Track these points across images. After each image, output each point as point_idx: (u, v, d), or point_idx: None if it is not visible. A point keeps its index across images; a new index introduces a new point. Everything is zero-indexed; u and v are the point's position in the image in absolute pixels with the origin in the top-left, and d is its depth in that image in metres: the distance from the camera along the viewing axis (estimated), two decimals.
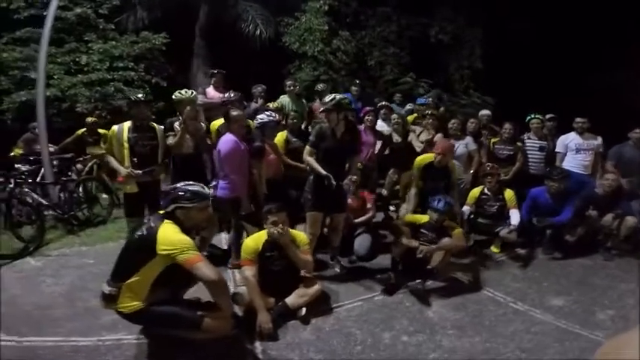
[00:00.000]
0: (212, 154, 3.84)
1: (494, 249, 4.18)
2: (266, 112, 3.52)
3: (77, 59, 7.12)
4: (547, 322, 2.79)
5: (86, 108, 6.75)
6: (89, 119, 6.13)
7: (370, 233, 3.96)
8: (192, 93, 3.75)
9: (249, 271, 2.67)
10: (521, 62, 8.55)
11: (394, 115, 4.72)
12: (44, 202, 4.42)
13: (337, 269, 3.56)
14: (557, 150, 4.84)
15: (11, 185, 4.11)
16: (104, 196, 5.34)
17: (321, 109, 3.26)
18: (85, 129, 6.03)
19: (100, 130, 6.18)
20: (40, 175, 4.81)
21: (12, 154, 5.35)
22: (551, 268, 3.87)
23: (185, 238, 2.15)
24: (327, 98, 3.21)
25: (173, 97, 3.69)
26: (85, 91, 6.88)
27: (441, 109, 6.15)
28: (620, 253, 4.13)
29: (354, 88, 5.80)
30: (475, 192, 4.25)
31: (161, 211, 2.34)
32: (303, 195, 3.37)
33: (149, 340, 2.45)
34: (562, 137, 4.84)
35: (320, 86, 5.69)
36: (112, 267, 3.33)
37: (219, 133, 3.63)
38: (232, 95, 3.93)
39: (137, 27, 7.99)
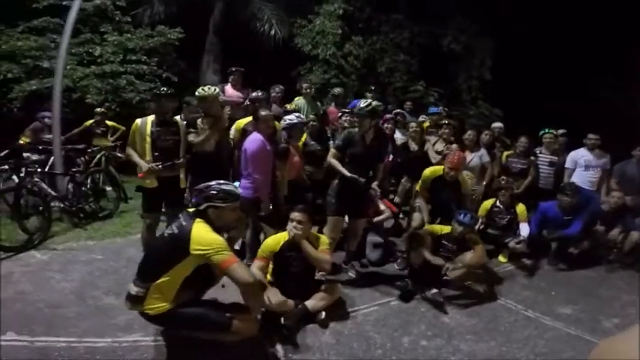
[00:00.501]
0: (233, 154, 3.91)
1: (501, 259, 4.30)
2: (294, 114, 3.57)
3: (91, 50, 7.15)
4: (558, 329, 2.92)
5: (96, 100, 6.78)
6: (98, 110, 6.17)
7: (382, 238, 4.03)
8: (215, 90, 3.71)
9: (257, 265, 2.74)
10: (526, 72, 8.72)
11: (412, 124, 4.79)
12: (53, 193, 4.37)
13: (352, 274, 3.59)
14: (566, 166, 4.91)
15: (22, 174, 4.04)
16: (108, 189, 5.34)
17: (356, 113, 3.31)
18: (93, 120, 6.06)
19: (109, 122, 6.24)
20: (49, 164, 4.77)
21: (20, 142, 5.33)
22: (556, 278, 4.00)
23: (219, 239, 2.14)
24: (362, 103, 3.23)
25: (197, 93, 3.70)
26: (97, 83, 6.92)
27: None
28: (622, 266, 4.27)
29: (368, 94, 5.90)
30: (487, 204, 4.35)
31: (190, 209, 2.34)
32: (326, 199, 3.42)
33: (167, 342, 2.41)
34: (572, 153, 4.94)
35: (337, 90, 5.78)
36: (121, 264, 3.46)
37: (245, 132, 3.68)
38: (260, 94, 3.96)
39: (153, 21, 8.02)
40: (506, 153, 5.14)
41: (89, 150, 5.69)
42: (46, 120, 5.25)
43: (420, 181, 4.00)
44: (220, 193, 2.24)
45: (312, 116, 4.57)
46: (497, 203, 4.30)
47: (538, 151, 5.08)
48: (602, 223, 4.42)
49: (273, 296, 2.63)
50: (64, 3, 6.46)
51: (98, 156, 5.81)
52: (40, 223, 3.96)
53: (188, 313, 2.17)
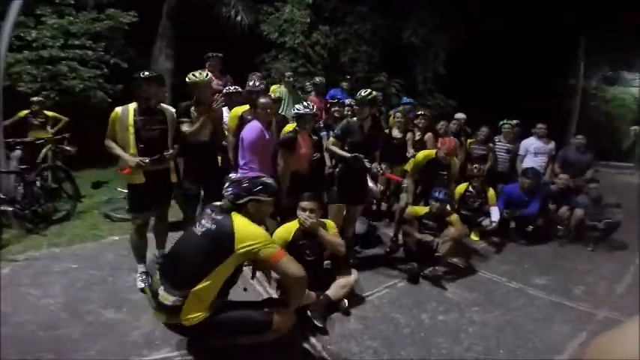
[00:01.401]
0: (228, 143, 3.75)
1: (474, 237, 4.77)
2: (303, 103, 3.51)
3: (23, 34, 6.27)
4: (542, 297, 3.35)
5: (30, 88, 6.06)
6: (35, 99, 5.50)
7: (366, 222, 4.25)
8: (207, 74, 3.43)
9: None
10: (480, 66, 9.57)
11: (398, 114, 4.99)
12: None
13: (351, 259, 3.66)
14: (519, 152, 5.57)
15: None
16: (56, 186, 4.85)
17: (357, 101, 3.39)
18: (28, 111, 5.39)
19: (48, 113, 5.60)
20: None
21: None
22: (523, 253, 4.53)
23: (264, 231, 2.03)
24: (363, 92, 3.35)
25: (187, 79, 3.42)
26: (31, 69, 6.19)
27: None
28: (570, 241, 4.98)
29: (344, 84, 5.99)
30: (460, 189, 4.76)
31: (219, 203, 2.17)
32: (328, 188, 3.51)
33: (196, 355, 2.23)
34: (524, 141, 5.59)
35: (317, 79, 5.78)
36: (105, 272, 3.19)
37: (243, 119, 3.55)
38: (258, 84, 3.77)
39: (100, 4, 7.22)
40: (469, 140, 5.71)
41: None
42: None
43: (412, 164, 4.26)
44: (264, 186, 2.14)
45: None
46: (470, 188, 4.73)
47: (497, 139, 5.66)
48: (552, 202, 5.10)
49: None
50: None
51: (44, 150, 5.19)
52: None
53: (230, 318, 2.00)
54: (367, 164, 3.22)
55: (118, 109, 3.07)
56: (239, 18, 7.46)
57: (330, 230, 2.91)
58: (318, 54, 7.98)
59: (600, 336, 0.60)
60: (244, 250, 1.92)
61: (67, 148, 5.52)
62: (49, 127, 5.57)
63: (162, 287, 1.99)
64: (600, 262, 4.40)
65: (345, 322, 2.76)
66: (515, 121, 5.93)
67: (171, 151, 3.09)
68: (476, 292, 3.33)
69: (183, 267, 2.00)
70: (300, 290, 2.14)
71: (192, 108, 3.43)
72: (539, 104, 9.02)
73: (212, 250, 1.94)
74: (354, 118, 3.48)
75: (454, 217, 3.72)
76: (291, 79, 5.25)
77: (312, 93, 5.54)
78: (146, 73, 3.13)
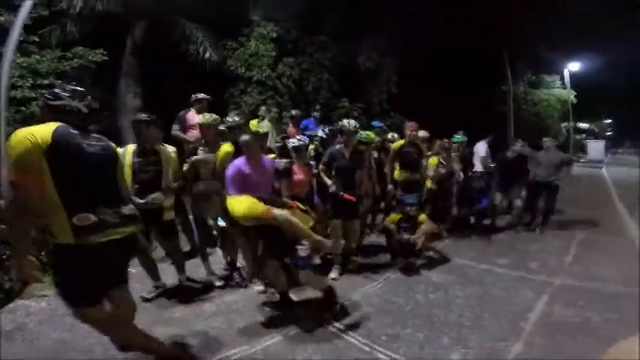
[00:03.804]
0: None
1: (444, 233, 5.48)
2: (297, 137, 4.04)
3: None
4: (508, 273, 4.10)
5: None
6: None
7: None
8: (215, 116, 3.83)
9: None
10: (428, 86, 10.80)
11: (376, 138, 5.44)
12: None
13: (335, 274, 3.90)
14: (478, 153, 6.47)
15: None
16: None
17: (347, 132, 3.95)
18: None
19: None
20: None
21: None
22: (485, 241, 5.34)
23: None
24: (348, 123, 3.98)
25: (199, 121, 3.82)
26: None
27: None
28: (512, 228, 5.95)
29: (316, 113, 6.63)
30: (433, 160, 5.45)
31: None
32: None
33: None
34: (479, 145, 6.52)
35: (294, 112, 6.34)
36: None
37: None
38: (237, 120, 3.96)
39: (62, 41, 7.31)
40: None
41: None
42: None
43: (390, 153, 5.25)
44: None
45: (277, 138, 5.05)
46: (441, 160, 5.46)
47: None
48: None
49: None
50: None
51: None
52: None
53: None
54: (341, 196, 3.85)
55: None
56: (207, 55, 7.87)
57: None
58: (284, 85, 8.58)
59: (616, 345, 0.61)
60: None
61: None
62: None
63: None
64: (548, 241, 5.33)
65: (357, 309, 3.25)
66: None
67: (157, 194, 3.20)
68: (454, 275, 4.02)
69: None
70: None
71: (200, 149, 3.85)
72: (479, 112, 10.36)
73: None
74: (337, 147, 4.09)
75: (423, 216, 4.44)
76: (275, 114, 5.74)
77: (290, 125, 6.08)
78: (143, 115, 3.33)
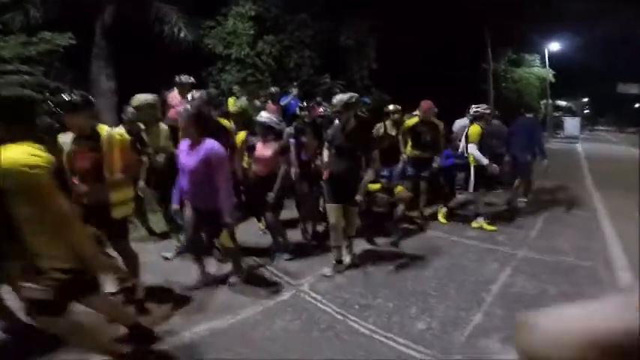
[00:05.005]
0: None
1: (441, 219, 5.31)
2: (267, 116, 3.83)
3: None
4: (477, 245, 4.39)
5: None
6: None
7: None
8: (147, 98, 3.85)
9: None
10: (406, 64, 10.83)
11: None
12: None
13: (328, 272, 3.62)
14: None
15: None
16: None
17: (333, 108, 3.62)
18: None
19: None
20: None
21: None
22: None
23: None
24: (340, 97, 3.46)
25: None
26: None
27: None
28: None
29: (294, 90, 6.62)
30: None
31: None
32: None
33: None
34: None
35: (273, 89, 6.33)
36: None
37: None
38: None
39: (26, 27, 7.00)
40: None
41: None
42: None
43: (401, 130, 5.10)
44: None
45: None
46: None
47: None
48: None
49: None
50: None
51: None
52: None
53: None
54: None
55: (60, 138, 2.92)
56: (182, 34, 7.66)
57: None
58: (264, 63, 8.45)
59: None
60: None
61: None
62: None
63: None
64: (518, 214, 5.59)
65: (332, 280, 3.44)
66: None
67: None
68: (427, 246, 4.28)
69: None
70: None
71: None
72: (460, 89, 10.51)
73: None
74: (337, 122, 3.64)
75: (399, 187, 4.53)
76: (254, 91, 5.72)
77: (269, 102, 6.06)
78: (64, 96, 2.61)
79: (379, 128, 5.12)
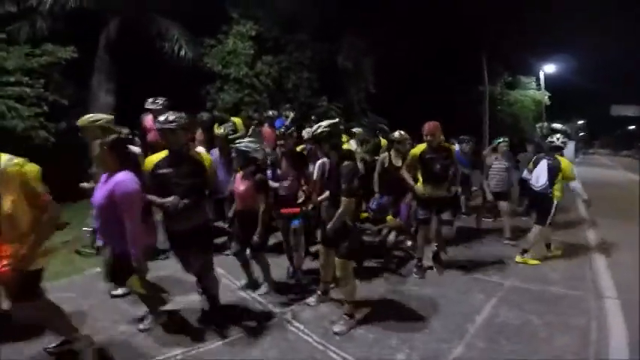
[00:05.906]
0: None
1: None
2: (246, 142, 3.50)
3: None
4: (466, 276, 4.35)
5: None
6: None
7: None
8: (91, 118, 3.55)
9: None
10: (406, 86, 11.06)
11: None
12: None
13: (312, 301, 3.56)
14: None
15: None
16: None
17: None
18: None
19: None
20: None
21: None
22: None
23: None
24: (316, 127, 3.13)
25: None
26: None
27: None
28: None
29: (290, 113, 6.71)
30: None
31: None
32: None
33: None
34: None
35: (271, 112, 6.38)
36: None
37: None
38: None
39: (32, 38, 7.15)
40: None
41: None
42: None
43: (407, 159, 4.33)
44: None
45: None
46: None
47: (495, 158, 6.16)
48: None
49: None
50: None
51: None
52: None
53: None
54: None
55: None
56: (182, 52, 7.82)
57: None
58: (262, 83, 8.61)
59: None
60: None
61: None
62: None
63: None
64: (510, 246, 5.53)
65: (313, 309, 3.44)
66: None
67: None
68: (413, 275, 4.24)
69: None
70: None
71: None
72: (457, 113, 10.70)
73: None
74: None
75: (389, 217, 4.66)
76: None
77: (266, 125, 6.10)
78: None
79: (384, 159, 4.85)
